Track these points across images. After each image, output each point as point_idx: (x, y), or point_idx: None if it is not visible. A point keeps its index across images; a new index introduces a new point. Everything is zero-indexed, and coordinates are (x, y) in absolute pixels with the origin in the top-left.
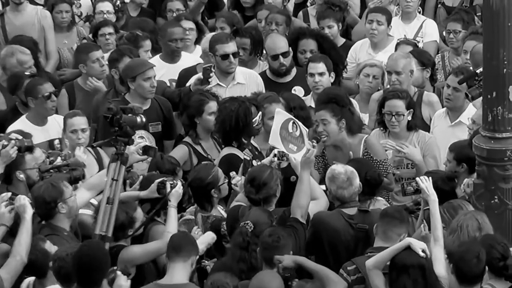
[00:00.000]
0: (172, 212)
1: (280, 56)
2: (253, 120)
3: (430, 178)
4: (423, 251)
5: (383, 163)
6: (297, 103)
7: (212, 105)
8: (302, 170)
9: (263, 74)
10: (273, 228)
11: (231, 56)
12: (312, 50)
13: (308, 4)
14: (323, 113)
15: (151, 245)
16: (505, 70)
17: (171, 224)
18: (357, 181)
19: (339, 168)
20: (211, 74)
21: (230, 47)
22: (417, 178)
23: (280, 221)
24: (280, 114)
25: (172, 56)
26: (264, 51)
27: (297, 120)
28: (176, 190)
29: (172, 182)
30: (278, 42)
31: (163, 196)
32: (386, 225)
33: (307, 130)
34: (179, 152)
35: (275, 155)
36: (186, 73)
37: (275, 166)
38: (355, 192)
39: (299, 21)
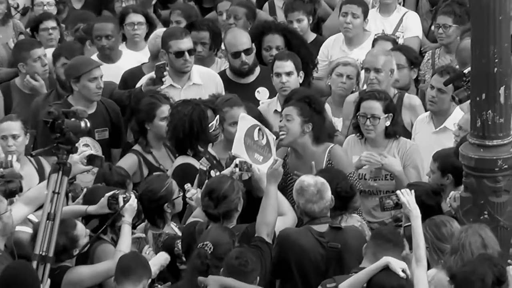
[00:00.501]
0: (126, 229)
1: (242, 54)
2: (210, 125)
3: (413, 191)
4: (403, 271)
5: (350, 177)
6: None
7: (165, 109)
8: (268, 183)
9: (222, 74)
10: (241, 250)
11: (186, 53)
12: (278, 47)
13: None
14: (290, 109)
15: (101, 265)
16: (495, 69)
17: (124, 243)
18: (328, 194)
19: (308, 180)
20: (164, 73)
21: (185, 43)
22: (398, 191)
23: (242, 239)
24: (244, 120)
25: (104, 55)
26: (223, 48)
27: (263, 127)
28: (130, 204)
29: (125, 196)
30: (239, 38)
31: (115, 211)
32: (377, 247)
33: (274, 138)
34: (128, 162)
35: (236, 166)
36: (131, 75)
37: (237, 177)
38: (326, 206)
39: (264, 13)
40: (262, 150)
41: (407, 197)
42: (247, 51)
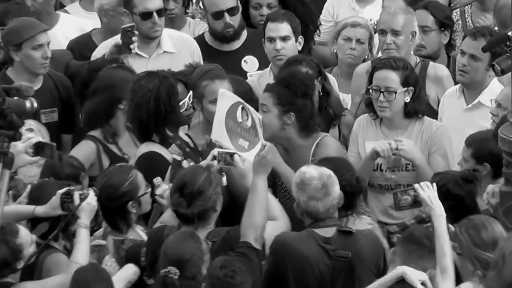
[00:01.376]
0: (83, 234)
1: (226, 14)
2: (180, 104)
3: (434, 184)
4: (423, 283)
5: None
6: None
7: None
8: (256, 174)
9: (200, 39)
10: (226, 258)
11: (155, 14)
12: (270, 4)
13: None
14: (265, 97)
15: (51, 281)
16: None
17: (81, 252)
18: (336, 190)
19: (311, 171)
20: (133, 38)
21: (154, 1)
22: (416, 185)
23: (221, 247)
24: (224, 97)
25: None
26: (200, 7)
27: (247, 105)
28: (89, 203)
29: (81, 193)
30: None
31: (70, 212)
32: (409, 254)
33: (261, 117)
34: (84, 151)
35: (214, 157)
36: (78, 44)
37: (215, 171)
38: (333, 205)
39: None
40: (247, 134)
41: (428, 191)
42: (231, 11)
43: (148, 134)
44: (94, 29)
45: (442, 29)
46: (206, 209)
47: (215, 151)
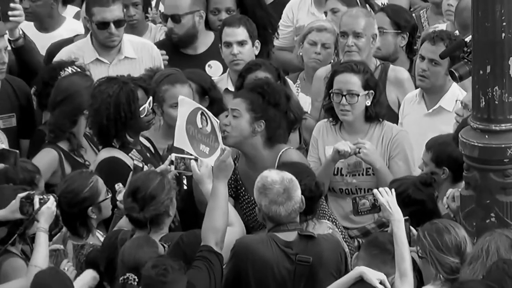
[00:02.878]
0: (42, 238)
1: (169, 19)
2: (141, 109)
3: (393, 190)
4: (381, 283)
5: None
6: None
7: None
8: (216, 179)
9: (163, 44)
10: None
11: (112, 25)
12: (229, 9)
13: None
14: (238, 102)
15: (11, 285)
16: (503, 34)
17: (40, 256)
18: (298, 194)
19: (273, 176)
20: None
21: (113, 11)
22: (375, 190)
23: (173, 252)
24: (184, 104)
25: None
26: (159, 11)
27: (206, 110)
28: (48, 207)
29: (42, 197)
30: None
31: (29, 216)
32: (373, 259)
33: (218, 122)
34: (46, 159)
35: (171, 163)
36: (57, 48)
37: (172, 177)
38: (295, 209)
39: None
40: (207, 140)
41: (387, 197)
42: (174, 18)
43: (108, 140)
44: (77, 35)
45: (399, 31)
46: (159, 213)
47: (172, 157)
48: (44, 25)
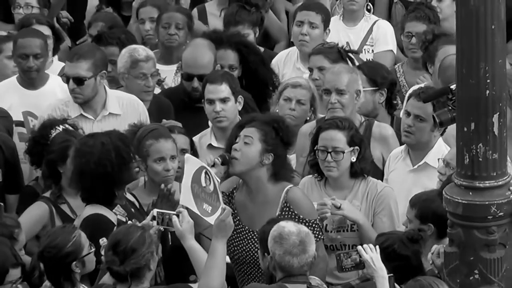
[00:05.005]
0: None
1: (195, 78)
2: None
3: (377, 246)
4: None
5: (313, 226)
6: None
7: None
8: (215, 238)
9: (173, 93)
10: None
11: (71, 81)
12: (232, 66)
13: None
14: (252, 131)
15: None
16: (487, 92)
17: None
18: (312, 249)
19: (290, 227)
20: None
21: (75, 68)
22: (359, 247)
23: None
24: (190, 162)
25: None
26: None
27: (209, 169)
28: None
29: None
30: (200, 59)
31: None
32: None
33: (219, 181)
34: (36, 213)
35: (154, 218)
36: None
37: (155, 232)
38: (308, 262)
39: (198, 22)
40: (210, 199)
41: (371, 253)
42: (202, 77)
43: (94, 196)
44: None
45: (377, 88)
46: (139, 267)
47: (154, 212)
48: (34, 82)
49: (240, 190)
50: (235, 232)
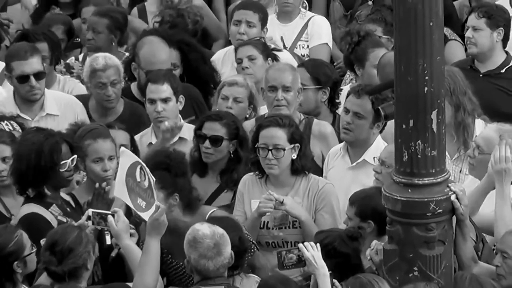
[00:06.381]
0: None
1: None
2: (62, 163)
3: (318, 244)
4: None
5: None
6: None
7: (4, 149)
8: (149, 236)
9: (126, 91)
10: None
11: (32, 77)
12: (174, 65)
13: None
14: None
15: None
16: (426, 89)
17: None
18: (228, 250)
19: (204, 229)
20: None
21: (32, 64)
22: (300, 245)
23: None
24: (125, 156)
25: None
26: (69, 64)
27: (144, 166)
28: None
29: None
30: (159, 53)
31: None
32: None
33: (154, 180)
34: None
35: (89, 218)
36: None
37: (91, 232)
38: (224, 264)
39: (138, 21)
40: (144, 194)
41: (312, 251)
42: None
43: (25, 188)
44: None
45: (320, 87)
46: (77, 266)
47: (89, 212)
48: None
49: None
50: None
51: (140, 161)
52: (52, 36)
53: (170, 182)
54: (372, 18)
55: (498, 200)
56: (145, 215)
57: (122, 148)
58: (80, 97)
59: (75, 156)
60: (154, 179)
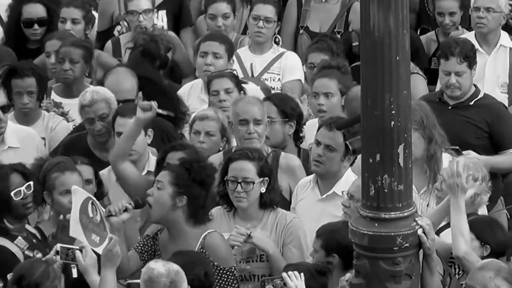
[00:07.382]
0: None
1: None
2: (15, 191)
3: (302, 274)
4: None
5: (227, 274)
6: None
7: None
8: (103, 268)
9: None
10: None
11: None
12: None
13: (116, 32)
14: (163, 175)
15: None
16: (392, 123)
17: None
18: (184, 286)
19: (159, 268)
20: None
21: None
22: (284, 274)
23: None
24: (77, 194)
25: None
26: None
27: (95, 200)
28: None
29: None
30: (123, 83)
31: None
32: None
33: (104, 211)
34: None
35: (57, 252)
36: None
37: (58, 266)
38: None
39: (106, 55)
40: (97, 229)
41: (295, 281)
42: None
43: None
44: None
45: (287, 119)
46: None
47: (57, 246)
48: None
49: (164, 232)
50: None
51: (91, 196)
52: (39, 72)
53: (184, 182)
54: (318, 47)
55: (454, 214)
56: (99, 249)
57: (74, 187)
58: (77, 136)
59: (31, 182)
60: (104, 211)
